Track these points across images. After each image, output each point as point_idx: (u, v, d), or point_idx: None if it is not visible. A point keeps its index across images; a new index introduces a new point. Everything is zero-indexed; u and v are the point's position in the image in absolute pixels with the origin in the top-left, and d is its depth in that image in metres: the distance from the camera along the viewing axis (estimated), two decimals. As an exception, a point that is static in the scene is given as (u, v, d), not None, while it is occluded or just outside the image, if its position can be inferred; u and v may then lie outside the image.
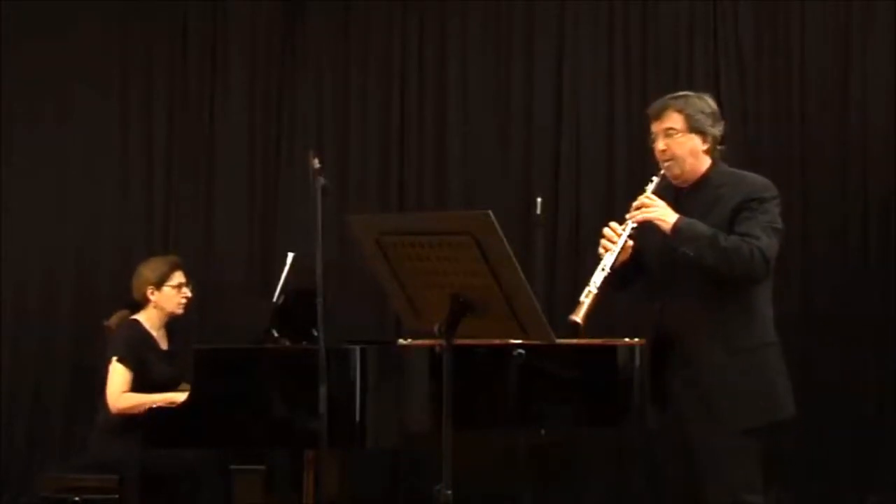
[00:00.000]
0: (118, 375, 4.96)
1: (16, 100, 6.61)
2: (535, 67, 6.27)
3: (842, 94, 5.93)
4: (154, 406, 4.77)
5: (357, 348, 4.50)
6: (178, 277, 5.17)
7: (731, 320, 3.57)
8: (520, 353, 4.59)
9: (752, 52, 6.03)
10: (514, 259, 2.91)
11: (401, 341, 4.98)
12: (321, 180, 4.34)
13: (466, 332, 3.09)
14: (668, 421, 3.74)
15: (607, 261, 3.54)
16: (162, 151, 6.60)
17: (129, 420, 4.86)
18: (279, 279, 5.11)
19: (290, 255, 5.11)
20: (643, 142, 6.09)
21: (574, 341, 4.78)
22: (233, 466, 4.84)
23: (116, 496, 4.86)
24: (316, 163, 4.36)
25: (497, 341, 4.43)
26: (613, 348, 4.71)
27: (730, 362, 3.54)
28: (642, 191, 3.68)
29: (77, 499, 4.85)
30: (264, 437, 4.55)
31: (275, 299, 5.05)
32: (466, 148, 6.33)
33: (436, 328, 3.04)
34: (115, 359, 4.97)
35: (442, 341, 3.07)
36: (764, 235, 3.51)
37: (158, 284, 5.13)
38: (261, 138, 6.54)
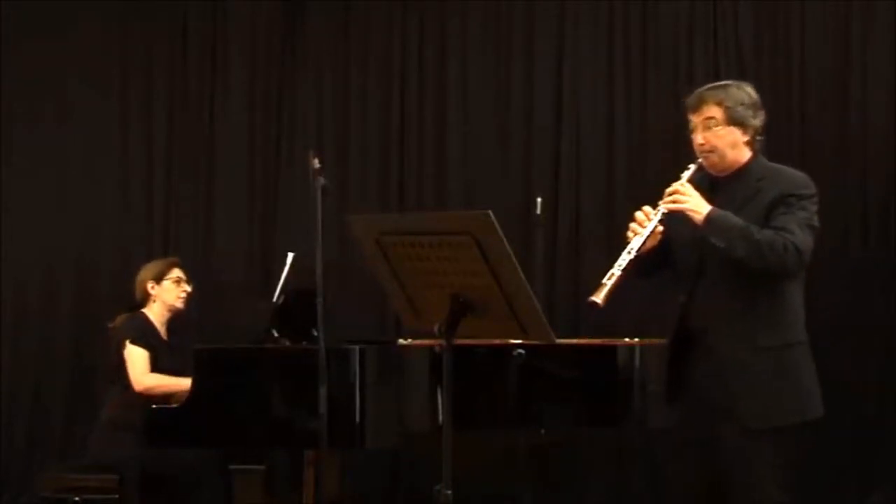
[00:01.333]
0: (137, 356, 5.02)
1: (16, 100, 6.61)
2: (535, 67, 6.27)
3: (842, 94, 5.92)
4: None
5: (357, 348, 4.50)
6: (177, 273, 5.25)
7: (760, 317, 3.49)
8: (520, 353, 4.59)
9: (752, 52, 6.03)
10: (514, 259, 2.91)
11: (401, 341, 4.99)
12: (321, 180, 4.34)
13: (466, 332, 3.09)
14: (684, 414, 3.65)
15: (634, 244, 3.46)
16: (162, 151, 6.60)
17: (131, 419, 4.87)
18: (279, 279, 5.12)
19: (290, 255, 5.12)
20: (643, 142, 6.17)
21: (574, 341, 4.80)
22: (233, 466, 4.85)
23: (116, 496, 4.87)
24: (316, 163, 4.37)
25: (497, 341, 4.43)
26: (613, 348, 4.72)
27: (755, 360, 3.47)
28: (677, 177, 3.58)
29: (77, 499, 4.86)
30: (264, 437, 4.55)
31: (275, 299, 5.06)
32: (466, 148, 6.33)
33: (436, 328, 3.04)
34: (128, 341, 5.01)
35: (442, 341, 3.07)
36: (799, 231, 3.45)
37: (158, 279, 5.22)
38: (261, 138, 6.54)
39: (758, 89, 5.91)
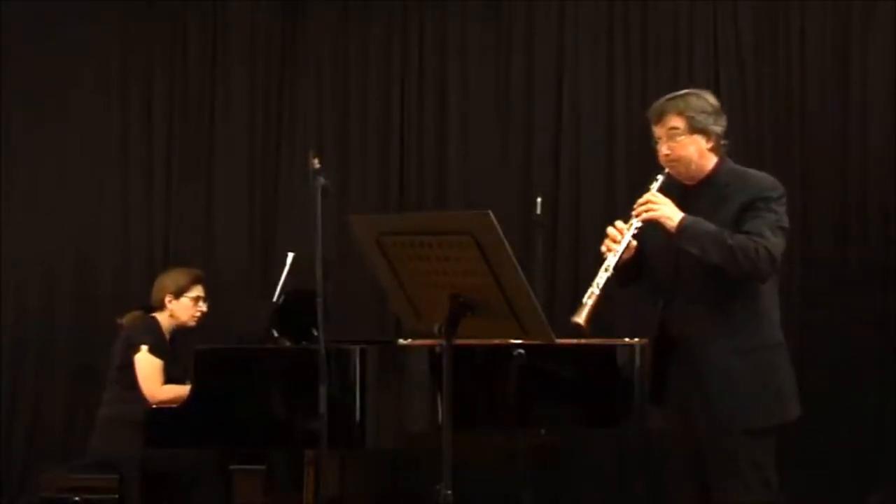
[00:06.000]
0: (153, 366, 5.00)
1: (16, 99, 6.61)
2: (535, 67, 6.27)
3: (842, 94, 5.92)
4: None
5: (357, 348, 4.50)
6: (198, 291, 5.23)
7: (738, 321, 3.54)
8: (520, 353, 4.59)
9: (752, 52, 6.02)
10: (514, 259, 2.91)
11: (401, 341, 4.99)
12: (321, 180, 4.34)
13: (466, 332, 3.09)
14: (669, 419, 3.72)
15: (610, 261, 3.51)
16: (162, 151, 6.60)
17: (130, 414, 4.86)
18: (279, 279, 5.11)
19: (290, 255, 5.12)
20: (643, 142, 6.11)
21: (574, 341, 4.79)
22: (233, 466, 4.85)
23: (116, 496, 4.87)
24: (316, 163, 4.37)
25: (497, 341, 4.43)
26: (613, 348, 4.71)
27: (736, 363, 3.51)
28: (647, 189, 3.65)
29: (77, 499, 4.85)
30: (264, 437, 4.55)
31: (275, 299, 5.05)
32: (466, 148, 6.33)
33: (436, 328, 3.04)
34: (145, 348, 5.00)
35: (442, 341, 3.07)
36: (770, 234, 3.49)
37: (177, 294, 5.20)
38: (261, 138, 6.54)
39: (758, 89, 6.01)
